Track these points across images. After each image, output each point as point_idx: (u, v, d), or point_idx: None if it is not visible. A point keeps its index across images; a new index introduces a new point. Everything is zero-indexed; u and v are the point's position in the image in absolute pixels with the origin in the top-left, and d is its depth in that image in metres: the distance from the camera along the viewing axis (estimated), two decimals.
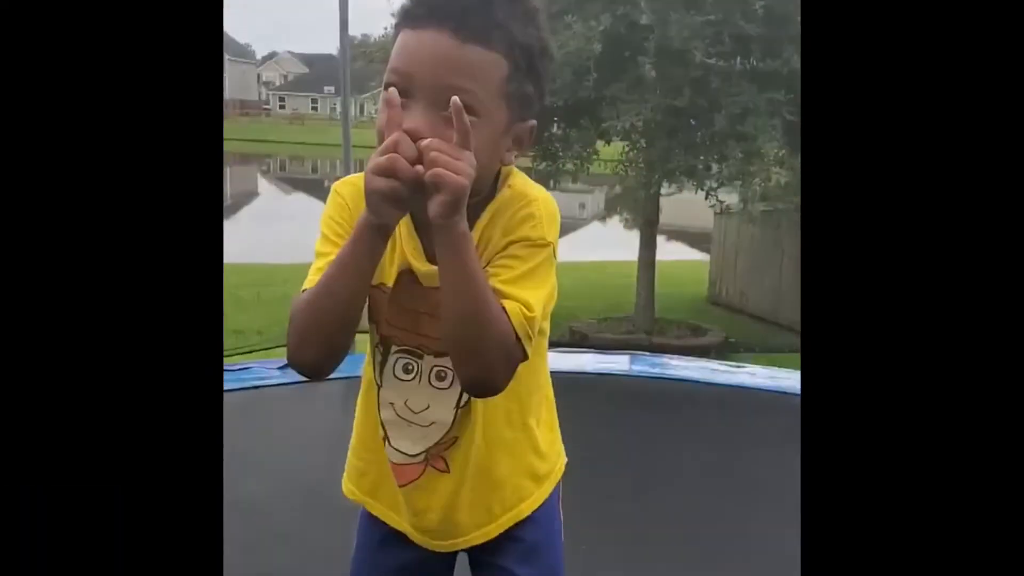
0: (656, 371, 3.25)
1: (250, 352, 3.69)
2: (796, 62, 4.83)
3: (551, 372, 1.08)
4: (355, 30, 3.68)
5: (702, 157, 5.35)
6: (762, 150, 4.91)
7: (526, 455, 1.05)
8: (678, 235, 12.50)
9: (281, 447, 2.56)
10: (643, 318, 6.48)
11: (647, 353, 3.57)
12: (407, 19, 0.88)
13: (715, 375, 3.21)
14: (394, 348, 1.01)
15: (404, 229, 0.96)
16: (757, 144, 4.91)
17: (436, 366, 0.99)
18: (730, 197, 6.19)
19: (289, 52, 53.97)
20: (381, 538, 1.10)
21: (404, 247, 0.96)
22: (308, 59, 52.52)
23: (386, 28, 6.52)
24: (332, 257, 0.90)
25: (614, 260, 10.16)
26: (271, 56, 55.48)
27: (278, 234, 12.25)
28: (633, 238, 7.23)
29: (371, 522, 1.11)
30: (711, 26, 4.82)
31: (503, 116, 0.90)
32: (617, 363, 3.27)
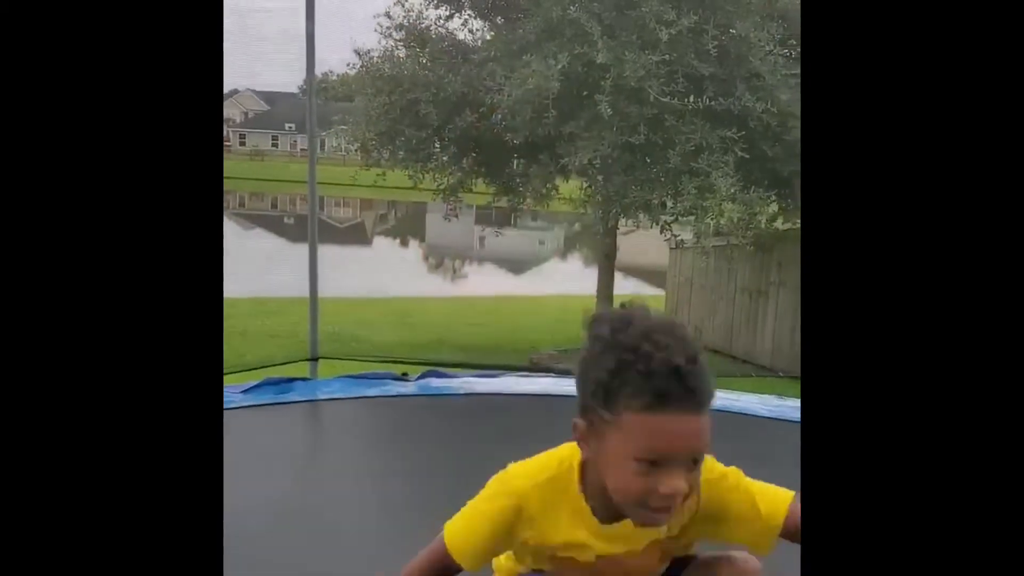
0: None
1: None
2: (748, 100, 5.00)
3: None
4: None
5: (657, 193, 5.48)
6: (715, 186, 5.04)
7: None
8: (634, 272, 12.68)
9: (247, 466, 2.58)
10: None
11: None
12: (663, 402, 1.04)
13: None
14: None
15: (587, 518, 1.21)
16: (710, 180, 5.05)
17: None
18: (684, 232, 6.34)
19: (250, 90, 53.80)
20: None
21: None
22: (269, 96, 52.39)
23: (349, 65, 6.65)
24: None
25: (574, 294, 10.28)
26: (232, 93, 55.22)
27: (238, 268, 12.15)
28: (592, 274, 7.35)
29: None
30: (665, 65, 4.98)
31: None
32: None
